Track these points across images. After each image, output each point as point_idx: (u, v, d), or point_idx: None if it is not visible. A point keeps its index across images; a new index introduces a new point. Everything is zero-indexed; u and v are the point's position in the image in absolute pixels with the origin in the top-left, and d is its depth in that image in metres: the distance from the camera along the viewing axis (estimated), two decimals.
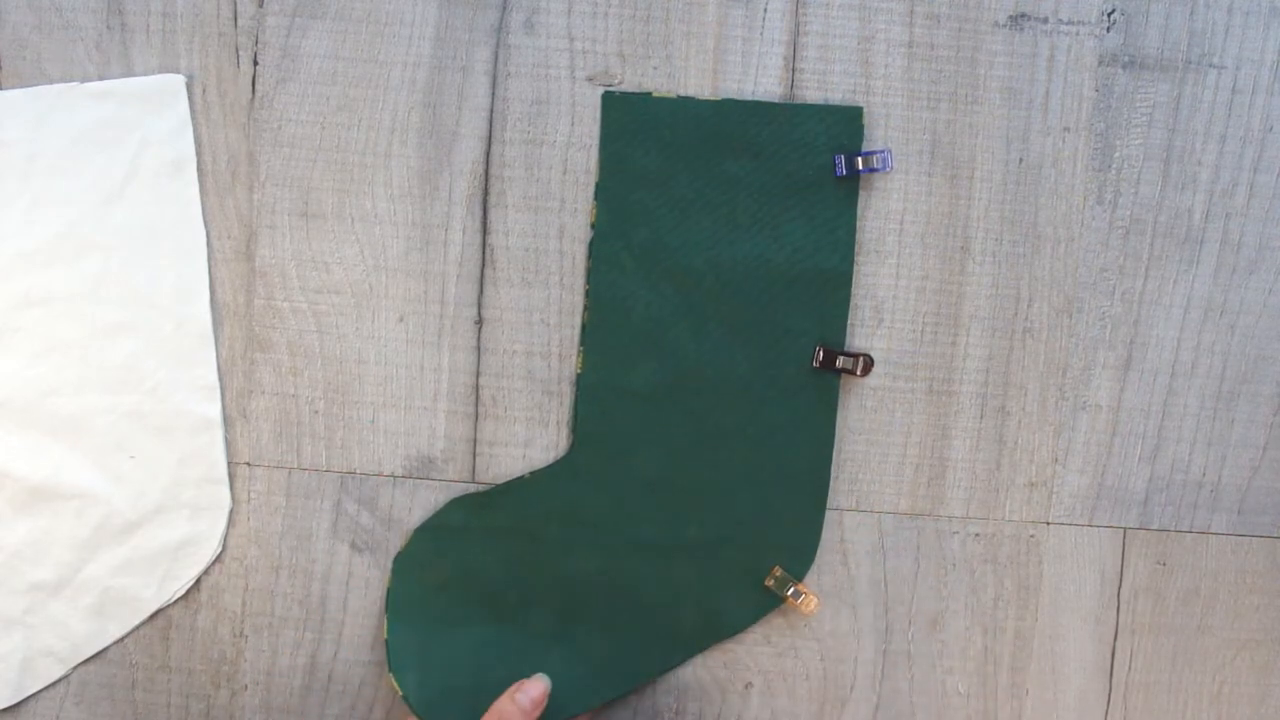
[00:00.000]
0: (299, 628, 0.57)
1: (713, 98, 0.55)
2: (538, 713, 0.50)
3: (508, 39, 0.55)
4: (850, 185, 0.55)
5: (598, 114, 0.55)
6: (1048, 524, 0.57)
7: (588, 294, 0.55)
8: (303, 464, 0.56)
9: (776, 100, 0.55)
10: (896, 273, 0.56)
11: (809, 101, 0.55)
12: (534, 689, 0.50)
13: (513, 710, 0.49)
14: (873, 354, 0.56)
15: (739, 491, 0.55)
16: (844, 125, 0.55)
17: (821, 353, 0.55)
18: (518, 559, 0.55)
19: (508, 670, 0.55)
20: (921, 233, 0.56)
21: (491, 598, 0.55)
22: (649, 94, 0.55)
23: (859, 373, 0.55)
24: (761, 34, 0.55)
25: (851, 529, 0.57)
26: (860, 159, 0.54)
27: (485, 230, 0.56)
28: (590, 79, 0.55)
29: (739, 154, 0.55)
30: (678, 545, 0.55)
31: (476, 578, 0.55)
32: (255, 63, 0.55)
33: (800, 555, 0.56)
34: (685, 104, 0.55)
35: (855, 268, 0.56)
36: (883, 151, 0.54)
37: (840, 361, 0.55)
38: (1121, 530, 0.57)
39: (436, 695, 0.54)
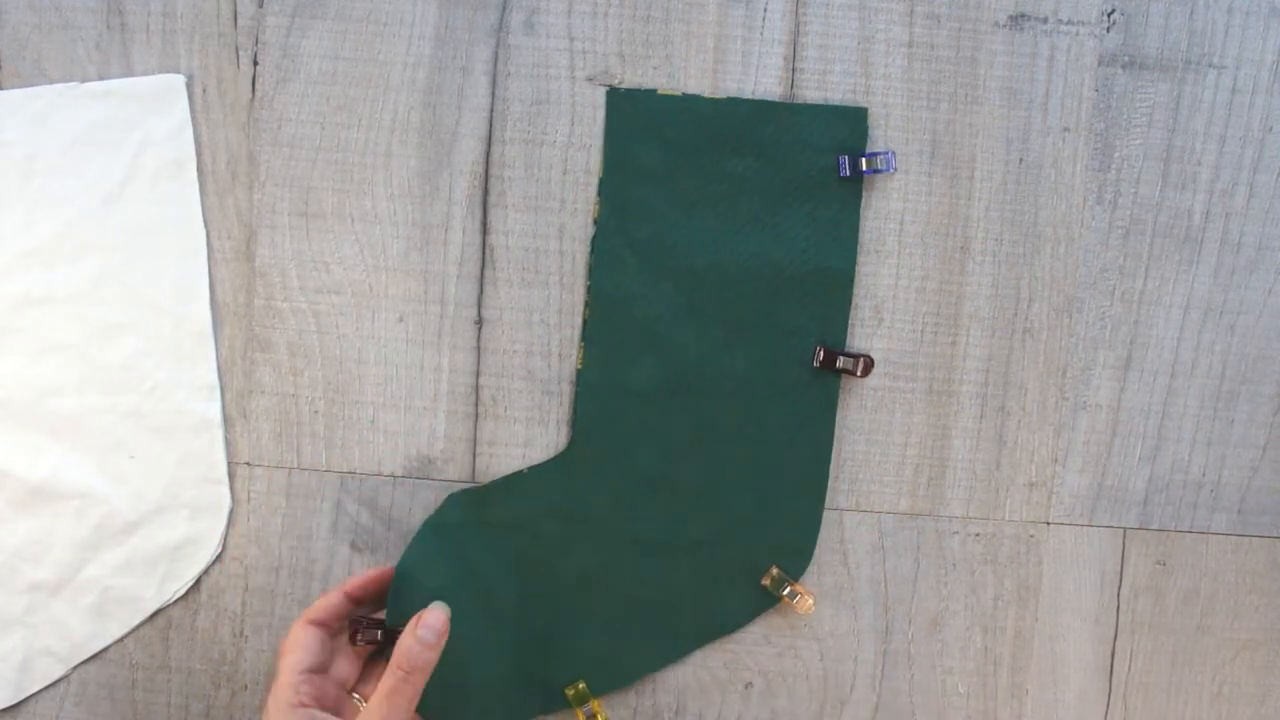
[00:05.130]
0: None
1: (715, 96, 0.55)
2: (442, 641, 0.49)
3: (508, 39, 0.55)
4: (853, 186, 0.55)
5: (598, 114, 0.55)
6: (1048, 524, 0.57)
7: (589, 290, 0.55)
8: (303, 464, 0.57)
9: (777, 100, 0.55)
10: (896, 273, 0.56)
11: (809, 101, 0.55)
12: (433, 618, 0.49)
13: (417, 648, 0.48)
14: (873, 354, 0.56)
15: (737, 490, 0.55)
16: (848, 126, 0.55)
17: (822, 353, 0.55)
18: (515, 555, 0.55)
19: (505, 667, 0.55)
20: (921, 233, 0.56)
21: (489, 596, 0.55)
22: (654, 91, 0.55)
23: (859, 373, 0.55)
24: (761, 34, 0.55)
25: (851, 529, 0.57)
26: (864, 160, 0.54)
27: (485, 230, 0.56)
28: (590, 79, 0.55)
29: (742, 153, 0.55)
30: (675, 543, 0.55)
31: (474, 575, 0.55)
32: (255, 63, 0.55)
33: (797, 555, 0.56)
34: (689, 102, 0.55)
35: (855, 268, 0.56)
36: (887, 153, 0.55)
37: (840, 362, 0.55)
38: (1121, 530, 0.57)
39: (437, 695, 0.54)
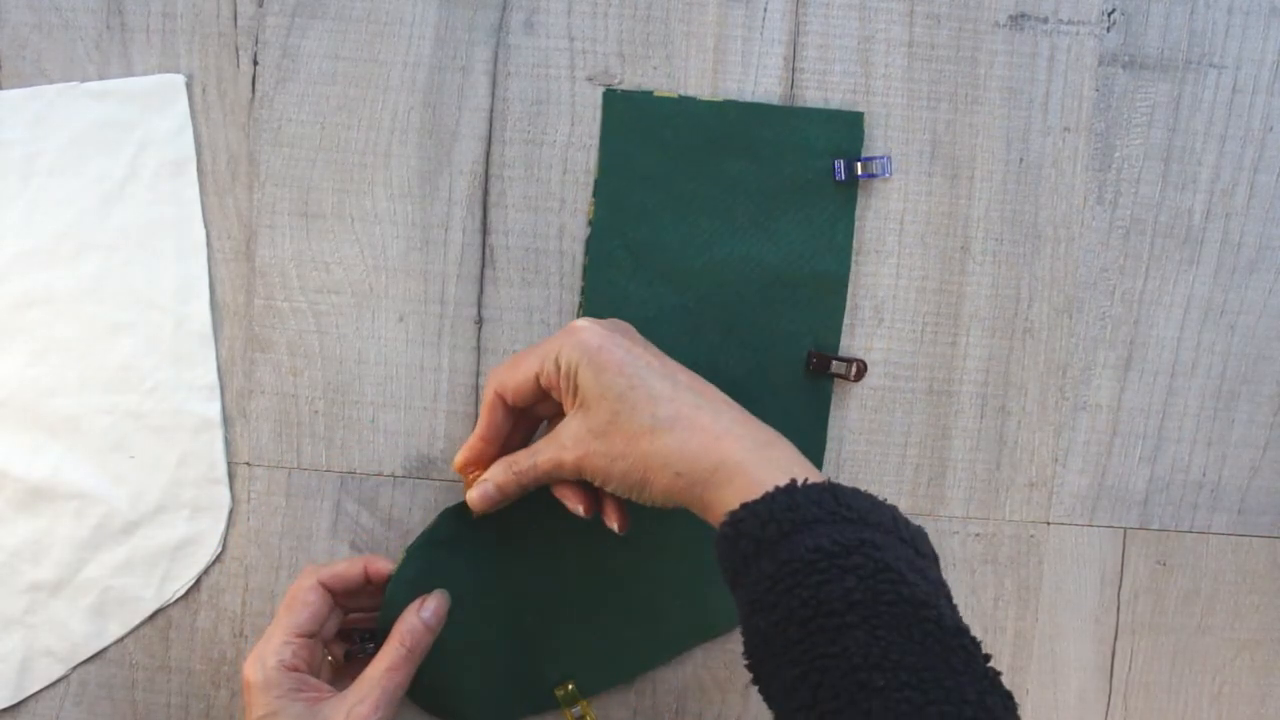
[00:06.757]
0: None
1: (713, 98, 0.55)
2: (440, 626, 0.51)
3: (508, 39, 0.55)
4: (849, 190, 0.55)
5: (598, 114, 0.55)
6: (1048, 524, 0.57)
7: (583, 291, 0.55)
8: (303, 464, 0.57)
9: (776, 100, 0.55)
10: (896, 273, 0.56)
11: (809, 102, 0.55)
12: (436, 603, 0.51)
13: (419, 624, 0.50)
14: (873, 354, 0.56)
15: None
16: (844, 130, 0.55)
17: (814, 358, 0.55)
18: (507, 557, 0.55)
19: (495, 667, 0.55)
20: (921, 233, 0.56)
21: (479, 596, 0.54)
22: (650, 93, 0.55)
23: (852, 378, 0.55)
24: (761, 34, 0.55)
25: None
26: (860, 164, 0.54)
27: (485, 230, 0.56)
28: (590, 79, 0.55)
29: (738, 155, 0.55)
30: (667, 544, 0.55)
31: (465, 578, 0.54)
32: (255, 63, 0.55)
33: None
34: (686, 104, 0.55)
35: (855, 268, 0.56)
36: (883, 158, 0.55)
37: (834, 366, 0.55)
38: (1121, 530, 0.57)
39: (426, 694, 0.54)
